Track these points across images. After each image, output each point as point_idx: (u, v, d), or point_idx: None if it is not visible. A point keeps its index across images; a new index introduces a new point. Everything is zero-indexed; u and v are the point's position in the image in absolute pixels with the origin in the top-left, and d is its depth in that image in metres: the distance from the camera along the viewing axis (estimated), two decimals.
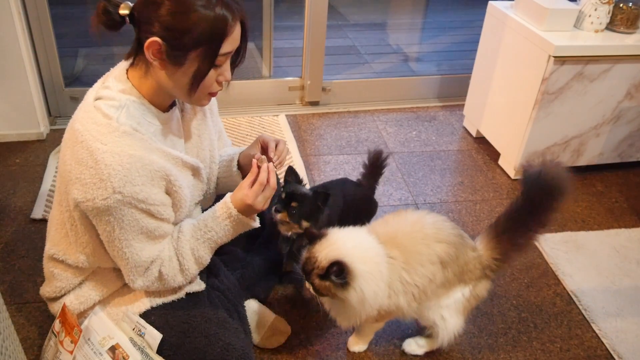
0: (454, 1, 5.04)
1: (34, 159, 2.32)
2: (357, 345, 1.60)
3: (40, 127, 2.43)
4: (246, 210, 1.27)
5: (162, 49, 1.11)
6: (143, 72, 1.18)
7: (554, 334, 1.72)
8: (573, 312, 1.80)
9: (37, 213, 2.00)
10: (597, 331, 1.73)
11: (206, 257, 1.31)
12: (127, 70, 1.21)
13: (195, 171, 1.34)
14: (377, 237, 1.38)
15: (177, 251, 1.27)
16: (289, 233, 1.55)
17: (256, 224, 1.32)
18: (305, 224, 1.50)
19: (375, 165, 1.83)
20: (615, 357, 1.64)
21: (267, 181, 1.25)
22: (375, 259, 1.33)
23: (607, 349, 1.67)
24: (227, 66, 1.20)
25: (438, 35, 4.28)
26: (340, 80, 2.97)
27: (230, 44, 1.14)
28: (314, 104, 2.92)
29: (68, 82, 2.59)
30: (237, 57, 1.24)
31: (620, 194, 2.39)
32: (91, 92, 1.20)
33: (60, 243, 1.29)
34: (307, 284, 1.35)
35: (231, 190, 1.32)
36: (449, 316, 1.47)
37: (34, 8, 2.32)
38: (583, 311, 1.80)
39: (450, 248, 1.38)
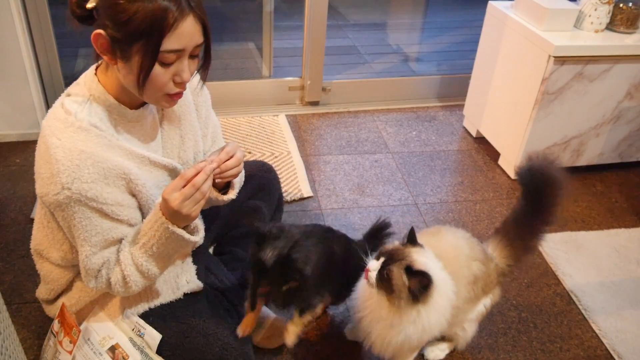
0: (454, 1, 5.04)
1: (34, 159, 2.31)
2: None
3: (40, 127, 2.43)
4: (174, 214, 1.12)
5: (108, 42, 1.07)
6: (105, 69, 1.16)
7: (554, 334, 1.72)
8: (573, 312, 1.80)
9: None
10: (597, 331, 1.73)
11: (147, 266, 1.18)
12: (96, 68, 1.19)
13: (172, 172, 1.28)
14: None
15: (119, 258, 1.19)
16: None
17: (195, 238, 1.18)
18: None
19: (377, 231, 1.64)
20: (615, 357, 1.64)
21: (192, 180, 1.10)
22: (448, 293, 1.28)
23: (607, 349, 1.67)
24: (182, 66, 1.11)
25: (438, 35, 4.28)
26: (340, 80, 2.97)
27: (176, 41, 1.06)
28: (314, 104, 2.91)
29: (68, 82, 2.57)
30: (205, 57, 1.16)
31: (620, 194, 2.39)
32: (65, 91, 1.20)
33: (42, 242, 1.29)
34: (374, 267, 1.23)
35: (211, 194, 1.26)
36: (469, 327, 1.51)
37: (34, 8, 2.32)
38: (583, 311, 1.80)
39: (482, 265, 1.40)
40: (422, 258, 1.26)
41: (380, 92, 3.00)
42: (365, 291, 1.33)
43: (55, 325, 1.36)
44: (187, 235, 1.16)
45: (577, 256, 2.01)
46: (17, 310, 1.64)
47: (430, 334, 1.29)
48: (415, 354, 1.47)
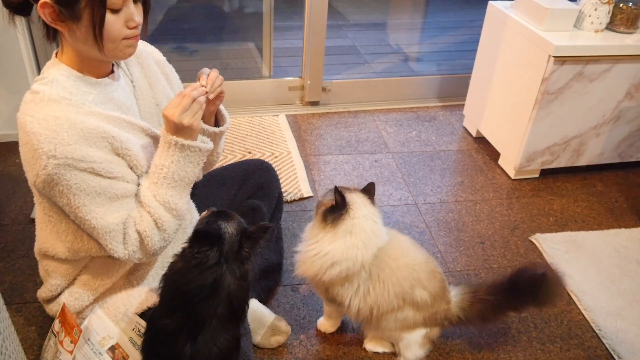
0: (454, 1, 5.04)
1: None
2: (324, 326, 1.65)
3: None
4: (178, 129, 1.17)
5: (55, 10, 1.08)
6: (62, 45, 1.17)
7: (554, 334, 1.72)
8: (573, 312, 1.80)
9: None
10: (597, 331, 1.73)
11: (174, 200, 1.21)
12: (55, 55, 1.21)
13: (154, 139, 1.29)
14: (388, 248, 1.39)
15: (143, 204, 1.20)
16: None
17: (205, 145, 1.23)
18: None
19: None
20: (615, 357, 1.64)
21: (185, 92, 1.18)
22: (364, 237, 1.34)
23: (607, 349, 1.67)
24: (131, 9, 1.13)
25: (438, 35, 4.28)
26: (340, 80, 2.97)
27: None
28: (314, 104, 2.92)
29: None
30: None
31: (620, 194, 2.39)
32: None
33: (47, 240, 1.29)
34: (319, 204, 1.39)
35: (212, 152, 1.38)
36: (414, 348, 1.51)
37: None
38: (583, 311, 1.80)
39: (430, 298, 1.41)
40: (358, 198, 1.34)
41: (380, 92, 3.01)
42: (309, 230, 1.42)
43: (56, 325, 1.36)
44: (200, 144, 1.21)
45: (577, 256, 2.01)
46: (17, 310, 1.64)
47: (327, 260, 1.32)
48: (342, 311, 1.53)
